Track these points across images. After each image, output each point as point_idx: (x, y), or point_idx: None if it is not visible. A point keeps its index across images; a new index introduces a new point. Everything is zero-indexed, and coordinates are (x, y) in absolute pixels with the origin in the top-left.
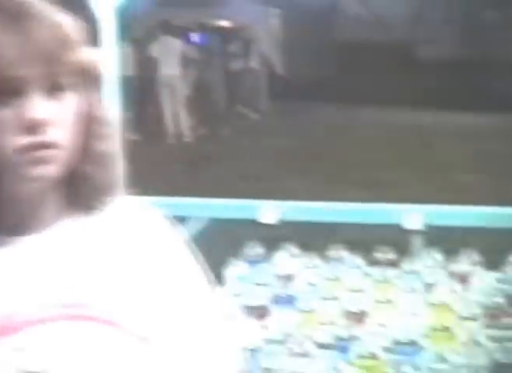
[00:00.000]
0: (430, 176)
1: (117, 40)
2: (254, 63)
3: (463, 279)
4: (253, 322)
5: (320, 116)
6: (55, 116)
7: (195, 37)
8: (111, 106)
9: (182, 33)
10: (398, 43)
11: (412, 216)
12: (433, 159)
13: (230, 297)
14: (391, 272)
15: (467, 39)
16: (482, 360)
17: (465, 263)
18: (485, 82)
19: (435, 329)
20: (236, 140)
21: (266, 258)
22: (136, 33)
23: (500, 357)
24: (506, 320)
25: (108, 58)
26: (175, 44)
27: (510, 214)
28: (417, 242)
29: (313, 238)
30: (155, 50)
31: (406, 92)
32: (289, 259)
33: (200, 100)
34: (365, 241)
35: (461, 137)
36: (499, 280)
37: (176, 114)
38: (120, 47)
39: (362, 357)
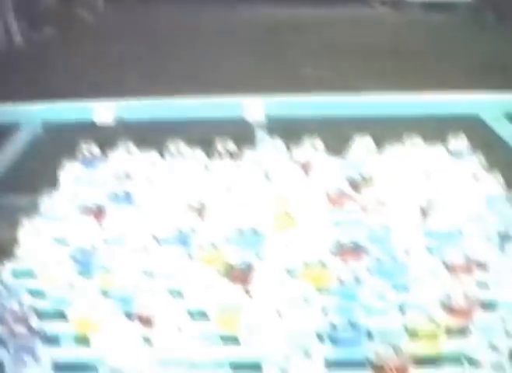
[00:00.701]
0: (271, 67)
1: None
2: None
3: (306, 166)
4: (91, 222)
5: (161, 14)
6: None
7: None
8: None
9: None
10: None
11: (253, 107)
12: (274, 51)
13: (66, 198)
14: (231, 163)
15: None
16: (324, 243)
17: (308, 150)
18: None
19: (276, 216)
20: (71, 42)
21: (102, 158)
22: None
23: (342, 239)
24: (348, 205)
25: None
26: None
27: (351, 103)
28: (259, 133)
29: (151, 135)
30: None
31: None
32: (125, 157)
33: (28, 2)
34: (205, 135)
35: (304, 28)
36: (342, 167)
37: (3, 17)
38: None
39: (203, 249)
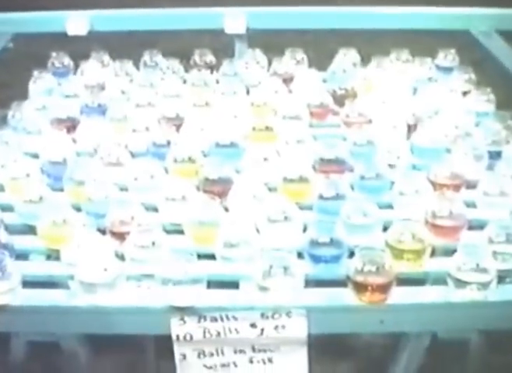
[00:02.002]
0: None
1: None
2: None
3: (287, 79)
4: (62, 135)
5: None
6: None
7: None
8: None
9: None
10: None
11: (235, 19)
12: None
13: (37, 110)
14: (210, 75)
15: None
16: (306, 157)
17: (290, 63)
18: None
19: (256, 130)
20: None
21: (74, 69)
22: None
23: (324, 154)
24: (330, 119)
25: None
26: None
27: (336, 15)
28: (240, 45)
29: (127, 47)
30: None
31: None
32: (99, 68)
33: None
34: (184, 48)
35: None
36: (324, 79)
37: None
38: None
39: (178, 161)
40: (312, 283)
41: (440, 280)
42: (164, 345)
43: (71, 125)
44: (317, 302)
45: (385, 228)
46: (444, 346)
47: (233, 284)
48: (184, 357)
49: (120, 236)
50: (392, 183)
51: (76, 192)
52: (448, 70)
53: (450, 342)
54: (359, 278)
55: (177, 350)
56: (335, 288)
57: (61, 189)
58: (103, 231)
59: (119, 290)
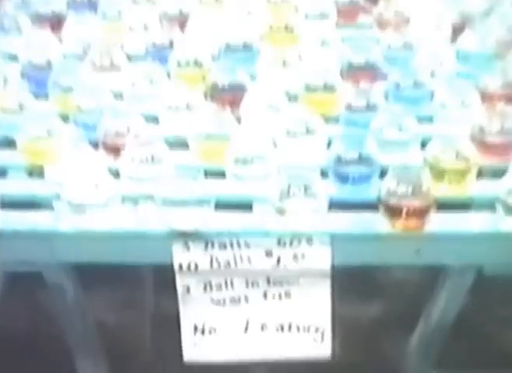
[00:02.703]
0: None
1: None
2: None
3: None
4: (46, 34)
5: None
6: None
7: None
8: None
9: None
10: None
11: None
12: None
13: (15, 6)
14: None
15: None
16: (332, 62)
17: None
18: None
19: (274, 29)
20: None
21: None
22: None
23: (353, 58)
24: (361, 18)
25: None
26: None
27: None
28: None
29: None
30: None
31: None
32: None
33: None
34: None
35: None
36: None
37: None
38: None
39: (183, 65)
40: (337, 206)
41: (486, 205)
42: (165, 277)
43: (56, 22)
44: (342, 228)
45: (423, 145)
46: (491, 285)
47: (246, 206)
48: (188, 289)
49: (115, 150)
50: (433, 92)
51: (63, 100)
52: None
53: (497, 279)
54: (393, 201)
55: (180, 281)
56: (364, 212)
57: (46, 97)
58: (94, 145)
59: (112, 212)
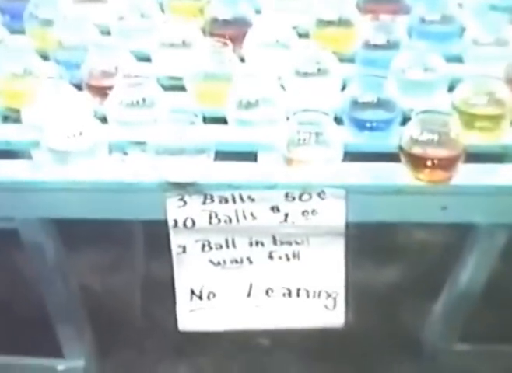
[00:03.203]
0: None
1: None
2: None
3: None
4: None
5: None
6: None
7: None
8: None
9: None
10: None
11: None
12: None
13: None
14: None
15: None
16: None
17: None
18: None
19: None
20: None
21: None
22: None
23: None
24: None
25: None
26: None
27: None
28: None
29: None
30: None
31: None
32: None
33: None
34: None
35: None
36: None
37: None
38: None
39: None
40: (352, 155)
41: None
42: (157, 234)
43: None
44: (358, 180)
45: (452, 87)
46: None
47: (250, 155)
48: (184, 249)
49: (101, 91)
50: (463, 28)
51: (42, 34)
52: None
53: None
54: (416, 150)
55: (175, 240)
56: (384, 163)
57: (22, 31)
58: (77, 86)
59: (99, 161)
